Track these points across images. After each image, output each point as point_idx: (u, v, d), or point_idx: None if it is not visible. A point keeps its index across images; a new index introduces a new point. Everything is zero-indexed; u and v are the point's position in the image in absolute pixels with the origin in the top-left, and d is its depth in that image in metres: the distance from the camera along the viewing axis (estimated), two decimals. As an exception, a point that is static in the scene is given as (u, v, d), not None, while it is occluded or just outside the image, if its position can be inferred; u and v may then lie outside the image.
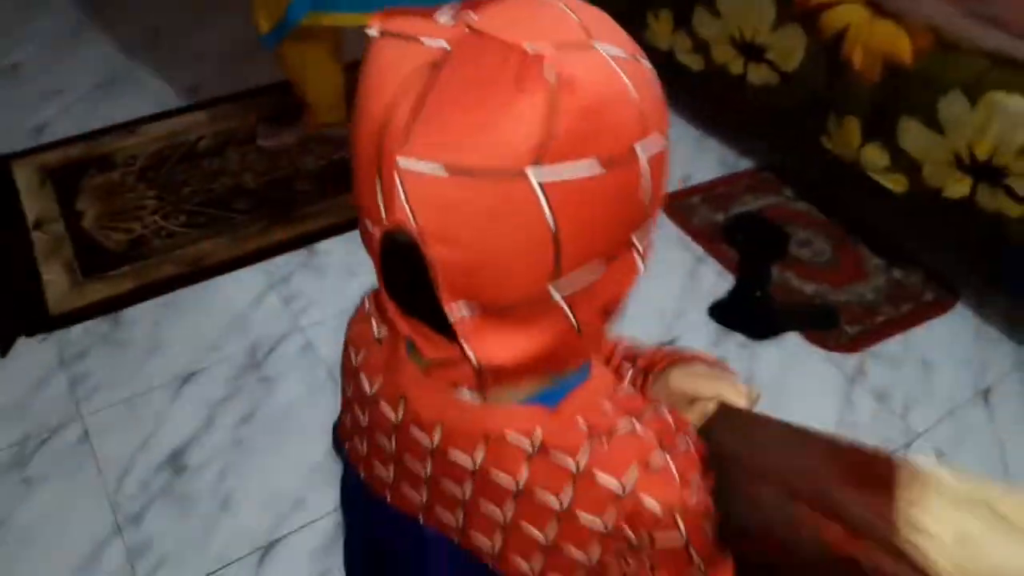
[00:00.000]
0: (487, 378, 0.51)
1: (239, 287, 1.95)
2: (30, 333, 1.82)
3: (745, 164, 2.38)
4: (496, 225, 0.44)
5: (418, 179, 0.44)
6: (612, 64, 0.46)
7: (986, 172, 1.79)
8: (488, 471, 0.55)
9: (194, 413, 1.67)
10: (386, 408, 0.60)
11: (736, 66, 2.27)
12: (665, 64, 2.54)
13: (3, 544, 1.46)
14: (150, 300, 1.90)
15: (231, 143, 2.38)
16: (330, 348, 1.80)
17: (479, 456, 0.55)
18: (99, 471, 1.57)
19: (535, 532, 0.56)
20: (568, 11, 0.47)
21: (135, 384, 1.72)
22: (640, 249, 0.50)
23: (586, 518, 0.54)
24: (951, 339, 1.87)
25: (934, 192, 1.88)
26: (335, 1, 1.95)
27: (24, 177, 2.24)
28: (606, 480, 0.53)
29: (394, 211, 0.45)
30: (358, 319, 0.66)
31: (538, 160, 0.43)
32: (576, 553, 0.55)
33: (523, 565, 0.58)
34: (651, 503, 0.53)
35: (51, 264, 1.98)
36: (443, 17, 0.46)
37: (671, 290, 1.97)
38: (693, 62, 2.40)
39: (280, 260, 2.02)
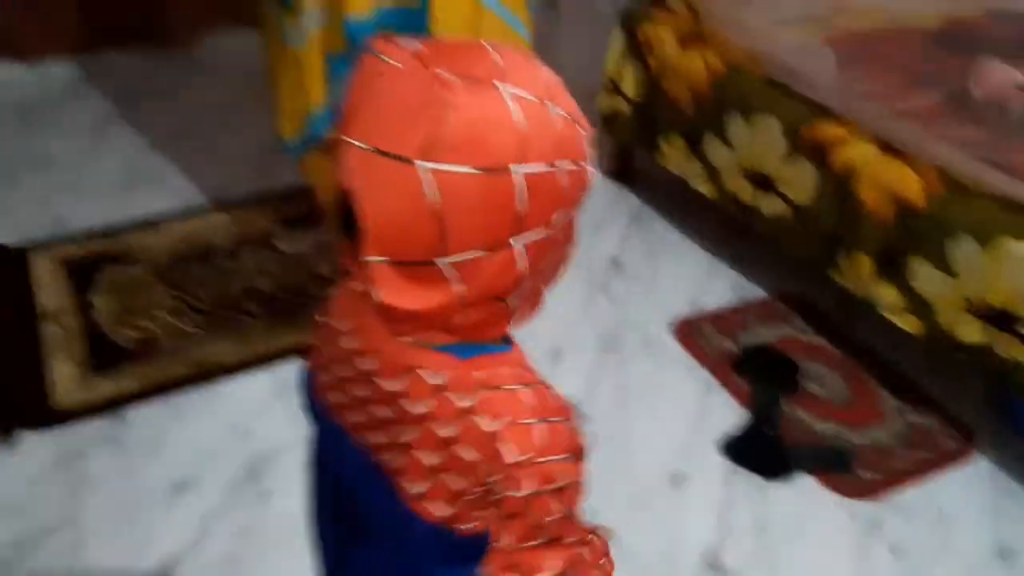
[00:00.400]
0: (389, 317, 0.66)
1: (245, 392, 1.93)
2: (33, 427, 1.80)
3: (757, 292, 2.39)
4: (396, 194, 0.59)
5: (354, 152, 0.61)
6: (504, 98, 0.59)
7: (999, 318, 1.79)
8: (403, 398, 0.68)
9: (189, 524, 1.63)
10: (347, 341, 0.74)
11: (747, 195, 2.31)
12: (678, 189, 2.59)
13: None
14: (155, 400, 1.89)
15: (248, 245, 2.41)
16: None
17: (398, 384, 0.69)
18: (86, 581, 1.52)
19: (424, 456, 0.68)
20: (496, 57, 0.62)
21: (132, 488, 1.69)
22: (517, 251, 0.62)
23: (462, 451, 0.66)
24: (969, 490, 1.83)
25: (948, 335, 1.88)
26: None
27: (41, 268, 2.26)
28: (483, 422, 0.65)
29: (343, 174, 0.62)
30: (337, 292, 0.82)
31: (425, 155, 0.58)
32: (452, 481, 0.67)
33: (411, 487, 0.69)
34: (508, 450, 0.65)
35: (60, 358, 1.97)
36: (408, 46, 0.62)
37: (680, 420, 1.95)
38: (706, 189, 2.45)
39: (288, 365, 2.01)
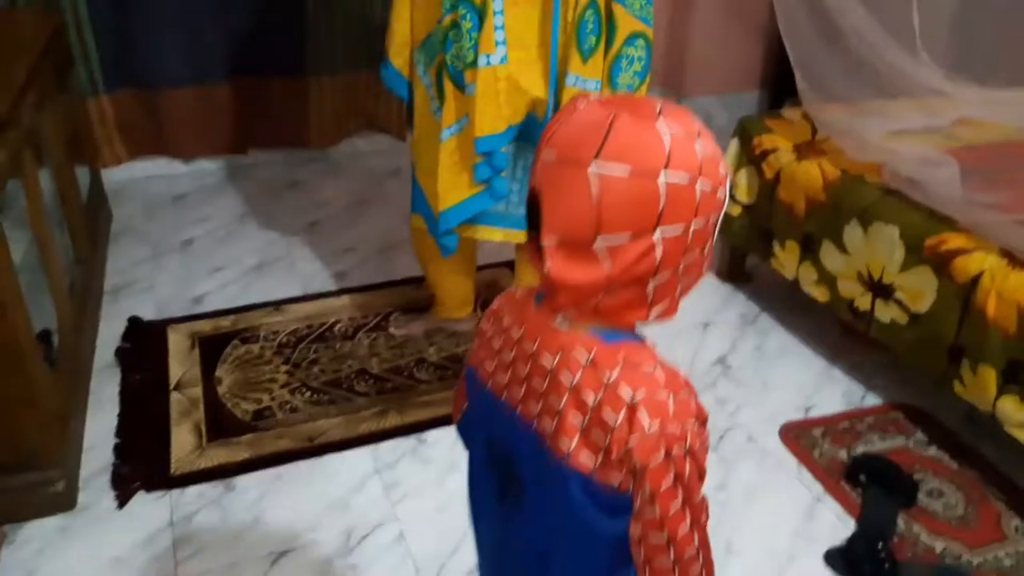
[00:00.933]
0: (558, 294, 0.82)
1: (346, 468, 1.99)
2: (149, 489, 1.91)
3: (872, 401, 2.29)
4: (569, 191, 0.77)
5: (544, 163, 0.81)
6: (659, 127, 0.77)
7: None
8: (558, 371, 0.84)
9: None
10: (514, 331, 0.90)
11: (863, 302, 2.25)
12: (790, 294, 2.55)
13: None
14: (263, 470, 1.97)
15: (364, 328, 2.52)
16: (421, 542, 1.78)
17: (554, 360, 0.84)
18: (182, 639, 1.57)
19: (574, 419, 0.83)
20: (659, 105, 0.79)
21: (233, 553, 1.75)
22: (656, 240, 0.77)
23: (605, 414, 0.81)
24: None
25: (1083, 456, 1.74)
26: (487, 216, 2.12)
27: (176, 342, 2.44)
28: (623, 391, 0.80)
29: (533, 181, 0.82)
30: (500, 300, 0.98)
31: (593, 161, 0.76)
32: (597, 437, 0.81)
33: (563, 445, 0.83)
34: (645, 417, 0.79)
35: (182, 425, 2.10)
36: (597, 98, 0.82)
37: (785, 527, 1.86)
38: (819, 294, 2.40)
39: (389, 445, 2.06)
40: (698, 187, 0.77)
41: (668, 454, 0.79)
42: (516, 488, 0.91)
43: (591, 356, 0.82)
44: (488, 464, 0.96)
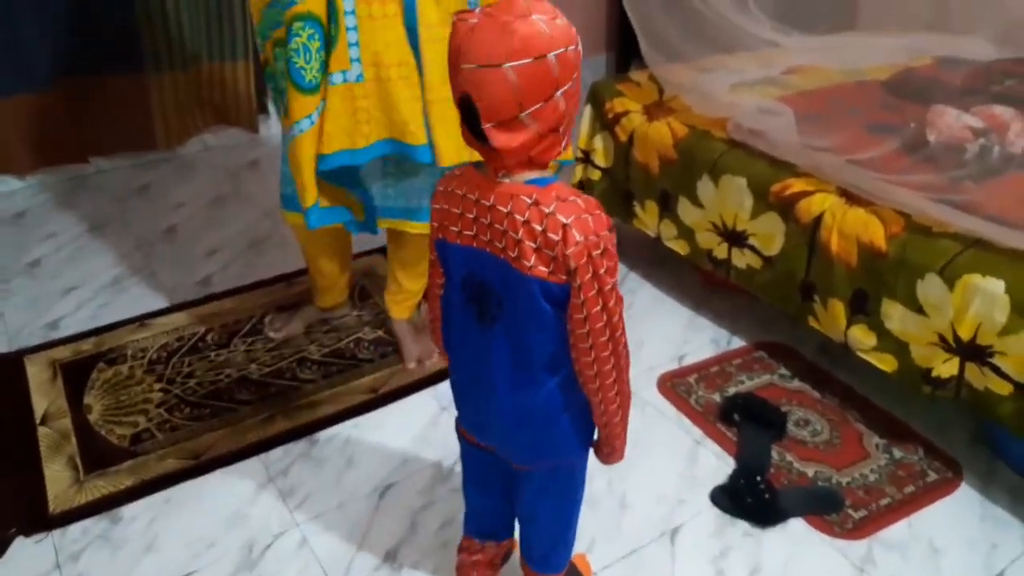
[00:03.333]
0: (503, 157, 1.11)
1: (238, 481, 1.95)
2: (27, 533, 1.81)
3: (738, 342, 2.44)
4: (494, 86, 1.04)
5: (466, 72, 1.06)
6: (536, 20, 1.05)
7: (972, 352, 1.83)
8: (513, 212, 1.13)
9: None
10: (471, 195, 1.18)
11: (721, 251, 2.38)
12: (654, 252, 2.66)
13: None
14: (149, 496, 1.90)
15: (238, 335, 2.46)
16: (326, 545, 1.78)
17: (508, 206, 1.13)
18: None
19: (529, 243, 1.12)
20: (525, 3, 1.06)
21: (128, 586, 1.69)
22: (558, 97, 1.08)
23: (550, 234, 1.10)
24: (958, 521, 1.84)
25: (924, 371, 1.92)
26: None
27: (35, 372, 2.30)
28: (559, 217, 1.10)
29: (461, 87, 1.08)
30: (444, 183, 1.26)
31: (506, 59, 1.03)
32: (547, 251, 1.11)
33: (526, 263, 1.12)
34: (574, 232, 1.10)
35: (54, 461, 1.99)
36: (477, 10, 1.08)
37: (671, 475, 1.97)
38: (680, 247, 2.52)
39: (279, 451, 2.03)
40: (571, 50, 1.07)
41: (590, 256, 1.10)
42: (492, 308, 1.21)
43: (533, 198, 1.11)
44: (466, 300, 1.25)
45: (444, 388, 2.23)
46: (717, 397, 2.20)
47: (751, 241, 2.28)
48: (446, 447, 2.03)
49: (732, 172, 2.29)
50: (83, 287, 2.72)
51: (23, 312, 2.59)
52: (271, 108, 3.77)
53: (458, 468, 1.93)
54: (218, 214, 3.17)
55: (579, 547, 1.78)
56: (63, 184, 3.41)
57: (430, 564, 1.73)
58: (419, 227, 2.12)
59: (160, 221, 3.12)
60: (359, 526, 1.81)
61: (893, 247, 1.94)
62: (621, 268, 2.79)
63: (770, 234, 2.22)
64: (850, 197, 2.09)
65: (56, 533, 1.81)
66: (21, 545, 1.79)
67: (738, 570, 1.73)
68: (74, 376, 2.28)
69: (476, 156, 1.18)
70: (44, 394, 2.22)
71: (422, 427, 2.11)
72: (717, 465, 1.99)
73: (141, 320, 2.53)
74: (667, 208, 2.52)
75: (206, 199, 3.28)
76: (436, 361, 2.34)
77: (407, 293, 2.34)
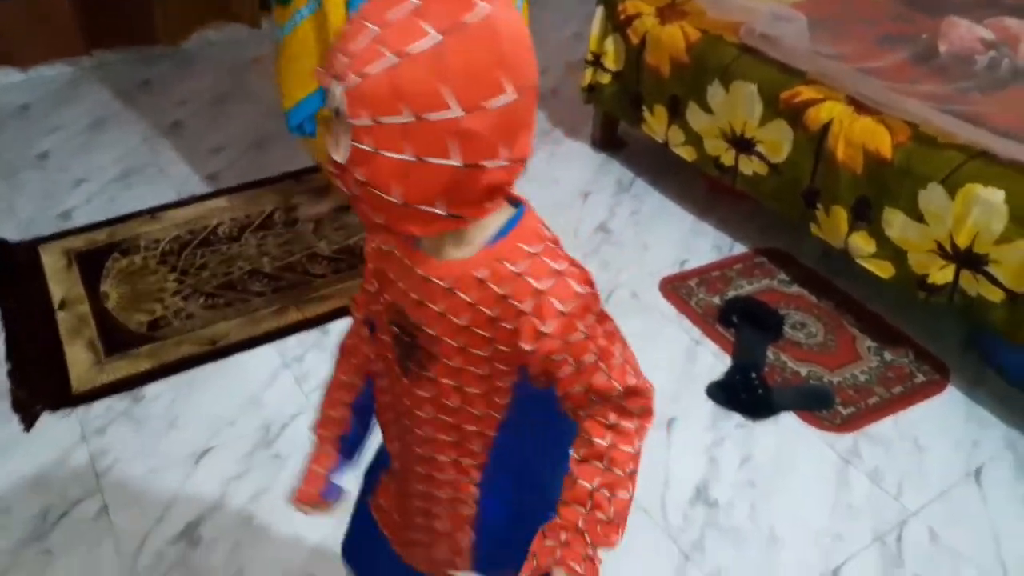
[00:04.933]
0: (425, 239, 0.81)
1: (254, 366, 2.02)
2: (53, 409, 1.89)
3: (739, 249, 2.49)
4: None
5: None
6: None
7: (968, 259, 1.88)
8: (453, 293, 0.81)
9: (208, 488, 1.73)
10: (403, 284, 0.86)
11: (728, 158, 2.40)
12: (661, 156, 2.69)
13: (20, 616, 1.50)
14: (169, 378, 1.98)
15: (249, 228, 2.49)
16: None
17: (442, 281, 0.81)
18: (116, 544, 1.61)
19: (481, 333, 0.82)
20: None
21: (152, 459, 1.78)
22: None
23: (505, 323, 0.80)
24: (943, 420, 1.93)
25: (920, 278, 1.98)
26: None
27: (51, 260, 2.34)
28: (516, 304, 0.79)
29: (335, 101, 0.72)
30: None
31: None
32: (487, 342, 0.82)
33: (479, 352, 0.83)
34: (537, 323, 0.78)
35: (75, 343, 2.06)
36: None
37: (669, 371, 2.05)
38: (687, 153, 2.54)
39: (294, 340, 2.10)
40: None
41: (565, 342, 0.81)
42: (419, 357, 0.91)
43: (485, 274, 0.80)
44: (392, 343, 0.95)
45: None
46: (717, 300, 2.26)
47: (759, 148, 2.30)
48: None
49: (743, 78, 2.30)
50: (92, 180, 2.74)
51: (35, 203, 2.61)
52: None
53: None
54: (221, 111, 3.16)
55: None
56: (65, 77, 3.37)
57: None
58: None
59: (165, 116, 3.11)
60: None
61: (898, 156, 1.98)
62: (626, 174, 2.82)
63: (778, 141, 2.24)
64: (858, 106, 2.10)
65: (80, 409, 1.89)
66: (47, 420, 1.87)
67: (730, 458, 1.83)
68: (89, 265, 2.33)
69: None
70: (60, 281, 2.27)
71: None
72: (714, 363, 2.07)
73: (152, 212, 2.56)
74: (676, 113, 2.53)
75: (209, 96, 3.27)
76: None
77: None
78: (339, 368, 1.05)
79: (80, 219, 2.54)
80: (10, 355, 2.03)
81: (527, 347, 0.80)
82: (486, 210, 0.77)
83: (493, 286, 0.79)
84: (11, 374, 1.98)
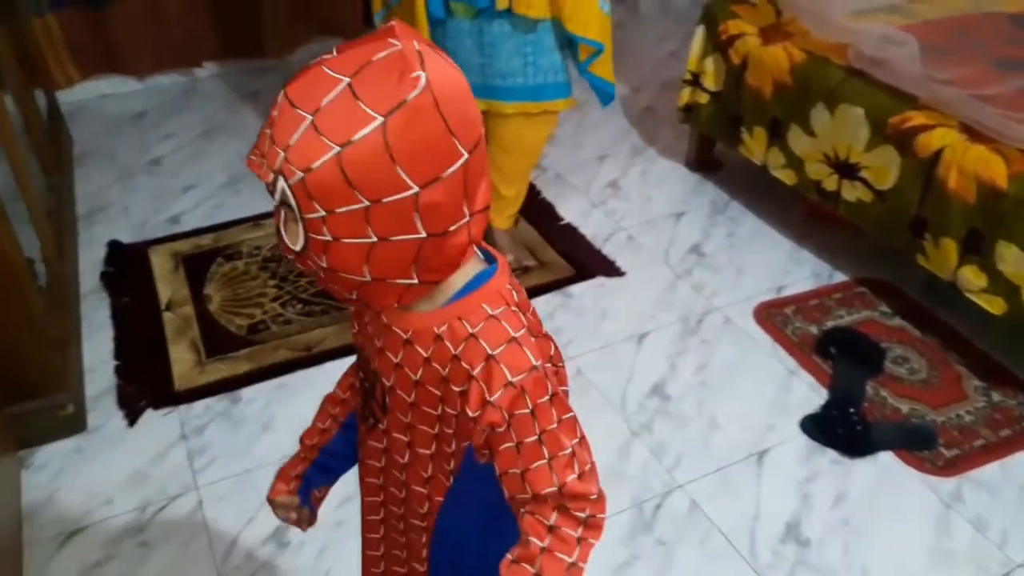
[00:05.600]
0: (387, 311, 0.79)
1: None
2: (156, 406, 1.97)
3: (839, 277, 2.41)
4: None
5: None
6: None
7: (1089, 298, 1.78)
8: (410, 344, 0.80)
9: (298, 492, 1.77)
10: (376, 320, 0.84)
11: (831, 183, 2.33)
12: (759, 179, 2.63)
13: (119, 604, 1.57)
14: (265, 382, 2.04)
15: (345, 239, 2.55)
16: (600, 376, 2.00)
17: (407, 337, 0.80)
18: (209, 540, 1.67)
19: (432, 391, 0.80)
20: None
21: (247, 460, 1.84)
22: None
23: (454, 385, 0.77)
24: (1054, 467, 1.83)
25: (1035, 316, 1.88)
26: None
27: (159, 263, 2.45)
28: (465, 366, 0.75)
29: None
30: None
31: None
32: (456, 387, 0.77)
33: (430, 410, 0.81)
34: (489, 387, 0.74)
35: (179, 343, 2.15)
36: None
37: (762, 401, 1.99)
38: (786, 177, 2.48)
39: (540, 301, 2.23)
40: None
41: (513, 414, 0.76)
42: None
43: (442, 330, 0.78)
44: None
45: (538, 303, 2.29)
46: (814, 329, 2.19)
47: (863, 174, 2.23)
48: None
49: (850, 101, 2.23)
50: (200, 186, 2.86)
51: (146, 207, 2.74)
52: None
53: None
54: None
55: (665, 463, 1.84)
56: (179, 87, 3.54)
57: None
58: (508, 107, 2.17)
59: (271, 126, 3.22)
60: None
61: (1014, 187, 1.88)
62: (721, 195, 2.78)
63: (884, 167, 2.16)
64: (972, 133, 2.01)
65: (182, 408, 1.97)
66: (150, 416, 1.96)
67: (824, 495, 1.76)
68: (195, 268, 2.43)
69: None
70: (168, 283, 2.37)
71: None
72: (809, 395, 2.01)
73: (255, 220, 2.65)
74: (776, 136, 2.48)
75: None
76: (533, 265, 2.41)
77: (505, 201, 2.38)
78: (339, 383, 1.05)
79: (188, 224, 2.65)
80: (119, 352, 2.13)
81: (471, 413, 0.76)
82: (459, 267, 0.76)
83: (448, 344, 0.76)
84: (118, 370, 2.08)
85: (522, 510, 0.78)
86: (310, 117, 0.66)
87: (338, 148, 0.65)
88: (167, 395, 2.00)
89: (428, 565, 0.94)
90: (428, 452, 0.85)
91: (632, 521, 1.71)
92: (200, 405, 1.98)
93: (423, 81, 0.65)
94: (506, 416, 0.74)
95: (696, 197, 2.77)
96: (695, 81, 2.75)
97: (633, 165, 2.94)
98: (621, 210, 2.71)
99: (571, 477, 0.76)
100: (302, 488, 1.05)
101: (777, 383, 2.05)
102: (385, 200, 0.66)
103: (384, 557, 1.04)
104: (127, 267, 2.44)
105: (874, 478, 1.80)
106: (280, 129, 0.67)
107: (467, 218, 0.71)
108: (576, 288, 2.36)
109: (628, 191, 2.81)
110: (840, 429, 1.87)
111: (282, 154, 0.67)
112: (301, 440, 1.07)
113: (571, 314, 2.26)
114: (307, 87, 0.67)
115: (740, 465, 1.84)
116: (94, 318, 2.25)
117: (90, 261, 2.47)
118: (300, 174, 0.66)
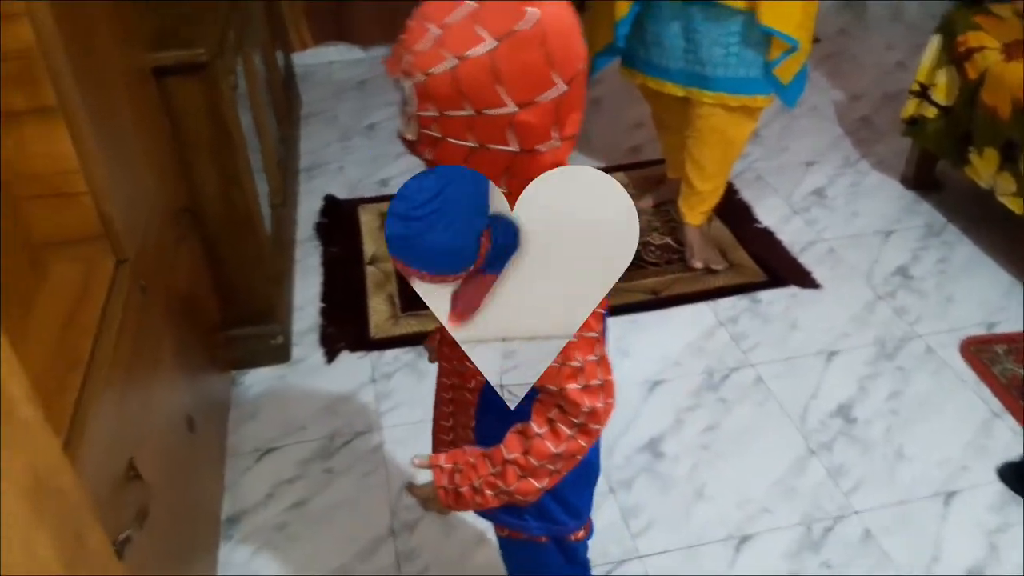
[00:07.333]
0: None
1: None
2: (352, 349, 2.12)
3: (1063, 322, 2.20)
4: None
5: None
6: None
7: None
8: None
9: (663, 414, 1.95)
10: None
11: (1069, 218, 2.13)
12: (982, 204, 2.44)
13: (300, 522, 1.71)
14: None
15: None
16: (781, 387, 2.01)
17: None
18: (387, 476, 1.78)
19: None
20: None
21: (426, 411, 1.93)
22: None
23: None
24: None
25: None
26: (639, 61, 2.25)
27: (367, 220, 2.62)
28: None
29: None
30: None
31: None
32: None
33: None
34: None
35: (378, 295, 2.30)
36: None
37: (958, 440, 1.86)
38: (1016, 206, 2.28)
39: (726, 302, 2.27)
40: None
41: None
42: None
43: None
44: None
45: (724, 304, 2.26)
46: (1027, 372, 2.02)
47: (1110, 211, 2.02)
48: (714, 357, 2.09)
49: (1104, 130, 2.02)
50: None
51: (360, 168, 2.94)
52: None
53: (723, 379, 1.99)
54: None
55: (843, 486, 1.76)
56: (401, 58, 3.74)
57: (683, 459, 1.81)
58: (707, 97, 2.16)
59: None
60: (812, 374, 2.04)
61: None
62: (938, 218, 2.60)
63: None
64: None
65: (374, 354, 2.11)
66: (346, 357, 2.11)
67: (1014, 547, 1.63)
68: (398, 228, 2.56)
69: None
70: (373, 239, 2.53)
71: (696, 335, 2.16)
72: (1012, 441, 1.85)
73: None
74: (1009, 159, 2.28)
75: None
76: (722, 268, 2.36)
77: (699, 196, 2.35)
78: None
79: (396, 187, 2.76)
80: (325, 296, 2.31)
81: None
82: None
83: None
84: (323, 312, 2.25)
85: (535, 396, 0.90)
86: (437, 31, 0.76)
87: (454, 60, 0.75)
88: (363, 340, 2.15)
89: (475, 423, 1.07)
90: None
91: (800, 538, 1.66)
92: (390, 354, 2.10)
93: (534, 16, 0.74)
94: None
95: (909, 216, 2.61)
96: (923, 93, 2.58)
97: (842, 175, 2.81)
98: (824, 220, 2.60)
99: (572, 386, 0.87)
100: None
101: (978, 423, 1.90)
102: (486, 112, 0.76)
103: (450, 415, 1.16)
104: (339, 220, 2.63)
105: (1079, 540, 1.64)
106: (410, 38, 0.78)
107: (555, 142, 0.80)
108: (766, 294, 2.29)
109: (834, 201, 2.69)
110: (1045, 481, 1.71)
111: (410, 58, 0.78)
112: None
113: (758, 320, 2.21)
114: (439, 5, 0.78)
115: (925, 502, 1.73)
116: (306, 263, 2.45)
117: (307, 211, 2.68)
118: (421, 76, 0.77)
